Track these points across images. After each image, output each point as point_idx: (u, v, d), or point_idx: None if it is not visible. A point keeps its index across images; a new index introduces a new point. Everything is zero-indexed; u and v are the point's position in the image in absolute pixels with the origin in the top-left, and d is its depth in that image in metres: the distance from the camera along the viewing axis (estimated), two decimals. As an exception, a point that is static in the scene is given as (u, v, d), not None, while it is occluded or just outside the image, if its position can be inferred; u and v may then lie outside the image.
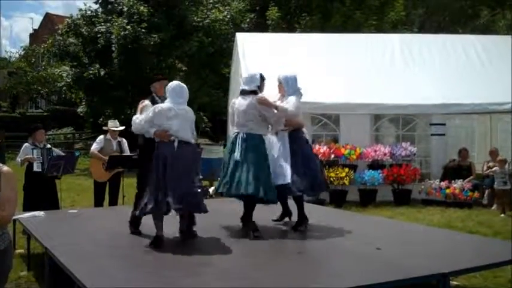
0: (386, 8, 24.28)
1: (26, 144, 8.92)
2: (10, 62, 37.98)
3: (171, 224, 6.20)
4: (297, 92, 6.63)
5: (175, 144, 5.74)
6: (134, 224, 6.32)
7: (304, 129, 6.77)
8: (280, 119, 6.43)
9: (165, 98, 6.02)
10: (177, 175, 5.63)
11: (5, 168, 3.56)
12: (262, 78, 6.54)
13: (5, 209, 3.45)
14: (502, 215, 10.19)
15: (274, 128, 6.52)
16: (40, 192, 8.56)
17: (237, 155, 6.18)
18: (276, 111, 6.35)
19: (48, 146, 9.20)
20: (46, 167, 8.68)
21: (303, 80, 11.76)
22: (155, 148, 5.83)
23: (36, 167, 8.68)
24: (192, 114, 6.05)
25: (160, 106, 5.88)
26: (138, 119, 6.01)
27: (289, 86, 6.61)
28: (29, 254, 6.88)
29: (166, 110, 5.80)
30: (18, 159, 8.73)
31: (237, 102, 6.47)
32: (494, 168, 10.91)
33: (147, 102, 6.32)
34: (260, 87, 6.49)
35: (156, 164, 5.69)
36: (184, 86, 6.10)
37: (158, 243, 5.60)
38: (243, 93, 6.46)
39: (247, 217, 6.33)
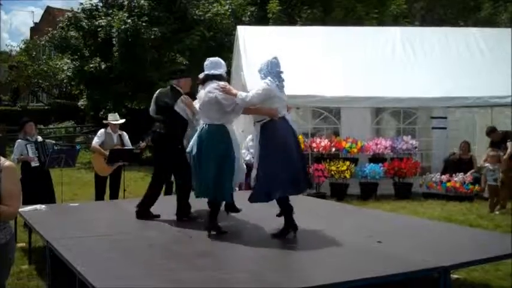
0: (387, 1, 24.19)
1: (19, 140, 8.85)
2: (11, 56, 37.91)
3: (170, 219, 6.22)
4: (271, 78, 5.87)
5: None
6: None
7: (286, 118, 5.91)
8: (237, 108, 5.91)
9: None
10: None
11: (7, 162, 3.56)
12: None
13: (10, 204, 3.46)
14: (497, 212, 9.80)
15: (231, 118, 6.02)
16: (36, 185, 8.55)
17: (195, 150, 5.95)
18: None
19: (40, 138, 9.16)
20: (47, 160, 8.69)
21: (304, 73, 11.92)
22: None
23: (34, 163, 8.67)
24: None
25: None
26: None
27: (262, 70, 5.98)
28: (30, 248, 6.90)
29: None
30: (14, 157, 8.65)
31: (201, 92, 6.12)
32: (486, 164, 10.34)
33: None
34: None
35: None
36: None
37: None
38: (207, 78, 6.07)
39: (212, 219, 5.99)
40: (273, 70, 5.88)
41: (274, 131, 5.76)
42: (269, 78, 5.84)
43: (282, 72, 5.95)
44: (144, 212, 6.61)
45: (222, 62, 6.30)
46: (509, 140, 10.29)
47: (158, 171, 6.84)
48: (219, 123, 5.90)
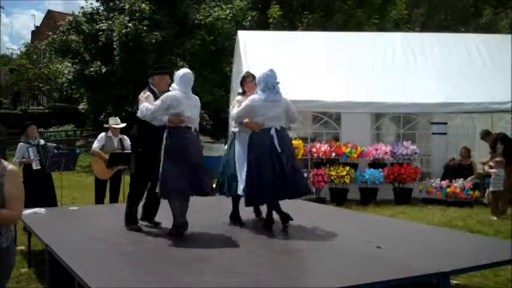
0: (388, 7, 24.27)
1: (21, 143, 8.87)
2: (12, 59, 37.96)
3: (170, 221, 6.21)
4: (260, 92, 6.30)
5: (189, 130, 6.00)
6: (131, 219, 6.38)
7: (271, 132, 6.24)
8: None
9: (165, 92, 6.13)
10: (192, 162, 5.92)
11: (10, 166, 3.57)
12: (243, 77, 6.84)
13: (13, 208, 3.47)
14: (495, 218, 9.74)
15: (240, 127, 6.63)
16: (37, 188, 8.55)
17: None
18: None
19: (42, 141, 9.17)
20: (47, 164, 8.69)
21: (304, 78, 11.94)
22: (167, 136, 5.95)
23: (35, 166, 8.68)
24: (199, 102, 6.28)
25: (172, 93, 5.97)
26: (148, 106, 6.00)
27: (258, 84, 6.41)
28: (29, 251, 6.90)
29: (179, 97, 5.94)
30: (16, 160, 8.69)
31: None
32: (493, 170, 10.15)
33: (148, 93, 6.28)
34: (242, 85, 6.79)
35: (174, 151, 5.90)
36: (191, 72, 6.28)
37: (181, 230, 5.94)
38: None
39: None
40: (267, 83, 6.23)
41: (258, 141, 6.22)
42: (258, 92, 6.29)
43: (277, 82, 6.29)
44: (130, 218, 6.43)
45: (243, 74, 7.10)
46: (499, 142, 10.33)
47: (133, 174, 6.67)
48: (234, 131, 6.66)
